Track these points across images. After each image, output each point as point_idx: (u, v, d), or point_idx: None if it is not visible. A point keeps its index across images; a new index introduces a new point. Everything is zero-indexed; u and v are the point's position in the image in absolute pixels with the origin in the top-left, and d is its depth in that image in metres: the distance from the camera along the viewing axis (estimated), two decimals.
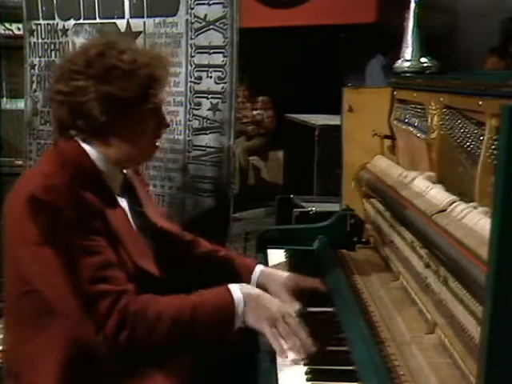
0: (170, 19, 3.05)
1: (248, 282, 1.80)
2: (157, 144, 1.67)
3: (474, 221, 1.27)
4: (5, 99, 4.03)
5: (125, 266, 1.52)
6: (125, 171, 1.71)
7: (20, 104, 3.84)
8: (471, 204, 1.36)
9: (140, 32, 3.14)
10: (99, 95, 1.51)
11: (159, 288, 1.56)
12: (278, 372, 1.42)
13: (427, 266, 1.52)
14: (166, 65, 1.63)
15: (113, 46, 1.57)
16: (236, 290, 1.51)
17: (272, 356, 1.48)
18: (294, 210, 2.52)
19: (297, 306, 1.68)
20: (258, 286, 1.80)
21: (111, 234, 1.52)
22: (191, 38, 2.98)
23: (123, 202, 1.66)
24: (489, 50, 5.41)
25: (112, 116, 1.53)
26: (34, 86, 3.59)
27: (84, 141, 1.57)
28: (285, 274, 1.85)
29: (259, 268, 1.85)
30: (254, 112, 6.57)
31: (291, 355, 1.44)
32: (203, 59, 2.93)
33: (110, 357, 1.43)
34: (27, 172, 1.62)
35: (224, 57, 2.86)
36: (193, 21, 2.97)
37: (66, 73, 1.56)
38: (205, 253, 1.89)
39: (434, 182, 1.67)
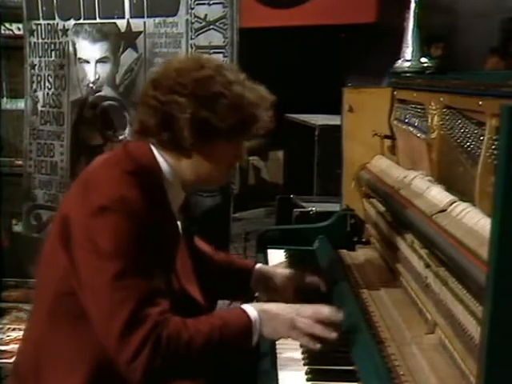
0: (170, 19, 3.05)
1: (247, 282, 1.82)
2: (230, 172, 1.67)
3: (474, 221, 1.27)
4: (5, 99, 4.02)
5: (173, 292, 1.51)
6: None
7: (20, 104, 3.84)
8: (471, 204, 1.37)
9: (140, 32, 3.15)
10: (196, 118, 1.47)
11: (200, 313, 1.54)
12: (279, 372, 1.42)
13: (427, 266, 1.52)
14: (270, 108, 1.57)
15: (223, 74, 1.52)
16: (251, 308, 1.51)
17: (272, 356, 1.48)
18: (294, 210, 2.52)
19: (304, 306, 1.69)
20: (258, 283, 1.82)
21: (168, 255, 1.52)
22: (191, 38, 2.98)
23: (179, 222, 1.64)
24: (489, 50, 5.41)
25: (199, 140, 1.49)
26: (34, 85, 3.59)
27: (158, 149, 1.53)
28: (285, 271, 1.86)
29: (258, 266, 1.87)
30: None
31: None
32: None
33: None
34: (95, 168, 1.54)
35: (224, 57, 2.87)
36: (193, 21, 2.97)
37: (169, 82, 1.50)
38: (221, 265, 1.88)
39: (434, 182, 1.67)
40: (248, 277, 1.84)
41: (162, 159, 1.53)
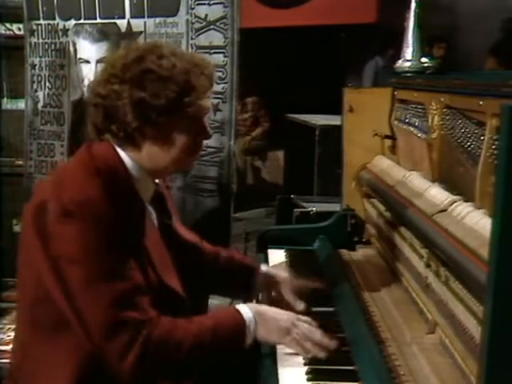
0: (170, 19, 3.05)
1: (253, 284, 1.81)
2: (194, 155, 1.61)
3: (475, 221, 1.27)
4: (5, 99, 4.02)
5: (150, 284, 1.49)
6: (156, 181, 1.65)
7: (20, 104, 3.84)
8: (471, 204, 1.37)
9: (140, 32, 3.14)
10: (132, 100, 1.45)
11: (182, 303, 1.56)
12: (279, 372, 1.42)
13: (428, 265, 1.52)
14: (209, 72, 1.54)
15: (153, 51, 1.51)
16: (245, 309, 1.51)
17: (273, 356, 1.48)
18: (295, 210, 2.52)
19: (302, 305, 1.70)
20: (262, 287, 1.81)
21: (141, 250, 1.49)
22: (192, 38, 2.98)
23: (152, 214, 1.62)
24: (488, 51, 5.40)
25: (144, 122, 1.47)
26: (35, 86, 3.59)
27: (119, 146, 1.53)
28: (288, 274, 1.84)
29: (263, 268, 1.84)
30: (245, 115, 6.44)
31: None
32: None
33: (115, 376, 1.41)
34: (56, 175, 1.53)
35: (224, 57, 2.86)
36: (193, 21, 2.97)
37: (106, 75, 1.51)
38: (224, 263, 1.86)
39: (434, 182, 1.67)
40: (251, 277, 1.82)
41: (123, 154, 1.52)
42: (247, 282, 1.81)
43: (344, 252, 2.17)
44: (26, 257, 1.53)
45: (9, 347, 3.28)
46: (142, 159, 1.52)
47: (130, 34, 3.21)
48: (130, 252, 1.44)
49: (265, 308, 1.56)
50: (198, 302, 1.54)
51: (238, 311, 1.50)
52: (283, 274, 1.83)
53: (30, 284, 1.50)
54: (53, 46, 3.50)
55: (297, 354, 1.48)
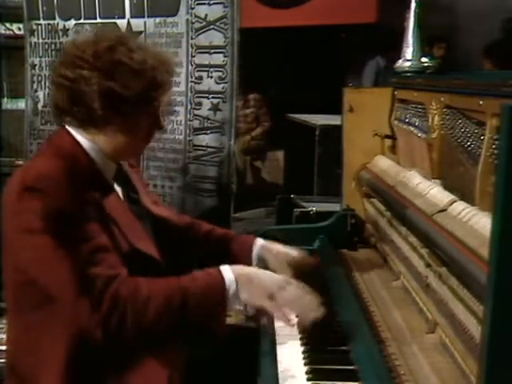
0: (170, 19, 3.05)
1: (249, 257, 1.80)
2: (147, 143, 1.69)
3: (475, 220, 1.27)
4: (5, 99, 4.02)
5: (121, 250, 1.52)
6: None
7: (20, 104, 3.84)
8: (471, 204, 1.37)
9: (141, 32, 3.14)
10: (101, 89, 1.51)
11: (160, 270, 1.56)
12: (279, 372, 1.42)
13: (428, 265, 1.52)
14: (172, 70, 1.65)
15: (124, 42, 1.57)
16: (227, 270, 1.51)
17: (273, 356, 1.48)
18: (295, 209, 2.51)
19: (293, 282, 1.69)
20: (259, 260, 1.81)
21: (106, 219, 1.52)
22: (192, 38, 2.98)
23: (117, 189, 1.66)
24: (483, 51, 5.39)
25: (109, 110, 1.53)
26: (35, 85, 3.59)
27: (77, 128, 1.57)
28: (285, 249, 1.83)
29: (259, 242, 1.84)
30: (247, 111, 6.48)
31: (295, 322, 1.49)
32: (204, 59, 2.93)
33: (106, 343, 1.43)
34: (24, 165, 1.62)
35: (225, 57, 2.87)
36: (193, 21, 2.97)
37: (73, 58, 1.55)
38: (203, 235, 1.89)
39: (434, 182, 1.67)
40: (248, 255, 1.82)
41: (81, 138, 1.58)
42: (244, 257, 1.81)
43: (344, 252, 2.17)
44: (6, 247, 1.56)
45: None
46: (100, 142, 1.58)
47: (130, 33, 3.21)
48: (92, 220, 1.48)
49: (249, 270, 1.56)
50: (183, 272, 1.54)
51: (219, 271, 1.50)
52: (280, 248, 1.83)
53: (12, 272, 1.54)
54: (53, 45, 3.50)
55: (297, 354, 1.48)
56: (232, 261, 1.63)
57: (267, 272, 1.58)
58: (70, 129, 1.58)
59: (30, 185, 1.45)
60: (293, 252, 1.81)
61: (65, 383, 1.47)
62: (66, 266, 1.42)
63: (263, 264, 1.81)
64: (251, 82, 6.04)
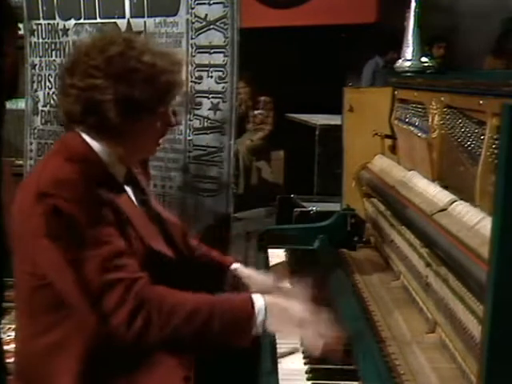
0: (170, 19, 3.05)
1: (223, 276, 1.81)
2: (159, 145, 1.67)
3: (475, 220, 1.27)
4: None
5: (138, 252, 1.52)
6: None
7: (21, 104, 3.84)
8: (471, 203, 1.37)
9: (140, 32, 3.14)
10: (117, 97, 1.48)
11: (174, 270, 1.57)
12: (279, 372, 1.42)
13: (428, 265, 1.52)
14: (181, 68, 1.63)
15: (133, 46, 1.54)
16: (258, 297, 1.50)
17: (273, 356, 1.48)
18: (295, 209, 2.51)
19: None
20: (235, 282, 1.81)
21: (121, 221, 1.52)
22: (192, 38, 2.98)
23: (129, 192, 1.66)
24: (490, 51, 5.40)
25: (125, 117, 1.51)
26: (35, 85, 3.60)
27: (89, 135, 1.55)
28: (263, 277, 1.83)
29: (236, 266, 1.85)
30: (256, 112, 6.54)
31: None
32: (204, 59, 2.93)
33: (122, 348, 1.43)
34: (34, 169, 1.60)
35: (225, 56, 2.87)
36: (193, 20, 2.97)
37: (83, 67, 1.51)
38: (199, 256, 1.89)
39: (434, 182, 1.67)
40: (223, 273, 1.83)
41: (94, 143, 1.56)
42: (218, 278, 1.82)
43: (344, 252, 2.17)
44: (19, 252, 1.56)
45: (9, 347, 3.28)
46: (113, 146, 1.57)
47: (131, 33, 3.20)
48: (109, 223, 1.47)
49: (282, 300, 1.53)
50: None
51: (250, 298, 1.49)
52: (259, 276, 1.82)
53: (26, 276, 1.53)
54: (53, 45, 3.50)
55: (297, 355, 1.48)
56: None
57: (292, 301, 1.53)
58: (83, 134, 1.56)
59: (45, 189, 1.44)
60: (268, 279, 1.80)
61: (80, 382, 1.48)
62: (83, 272, 1.41)
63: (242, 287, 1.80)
64: (261, 83, 6.06)
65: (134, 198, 1.67)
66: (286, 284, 1.79)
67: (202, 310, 1.43)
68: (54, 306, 1.49)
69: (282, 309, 1.49)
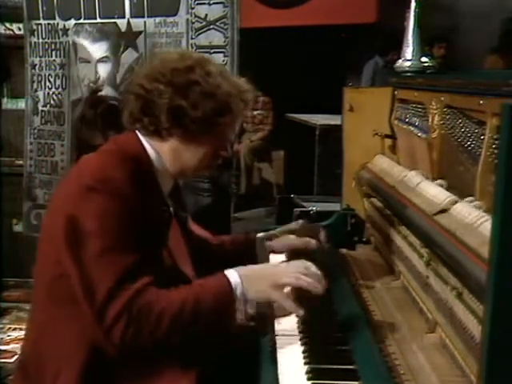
0: (170, 19, 3.05)
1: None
2: (211, 166, 1.72)
3: (475, 220, 1.27)
4: (5, 99, 4.03)
5: (165, 268, 1.55)
6: None
7: (21, 104, 3.85)
8: (472, 202, 1.37)
9: (140, 32, 3.15)
10: (171, 104, 1.56)
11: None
12: (279, 372, 1.42)
13: (428, 265, 1.52)
14: (247, 98, 1.66)
15: (204, 65, 1.60)
16: (231, 271, 1.53)
17: (273, 356, 1.48)
18: (295, 209, 2.51)
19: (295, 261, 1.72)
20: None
21: (156, 230, 1.56)
22: (192, 38, 2.98)
23: (171, 206, 1.70)
24: (489, 51, 5.41)
25: (175, 125, 1.58)
26: (35, 85, 3.60)
27: (144, 136, 1.61)
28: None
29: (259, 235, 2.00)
30: (255, 112, 6.53)
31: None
32: None
33: (120, 353, 1.44)
34: (84, 160, 1.61)
35: (225, 56, 2.87)
36: (193, 20, 2.97)
37: (154, 71, 1.60)
38: (229, 249, 1.98)
39: (434, 182, 1.67)
40: (253, 248, 1.93)
41: (148, 145, 1.62)
42: (250, 254, 1.92)
43: (344, 251, 2.17)
44: (47, 236, 1.58)
45: (9, 347, 3.29)
46: (165, 154, 1.62)
47: (130, 33, 3.22)
48: (145, 232, 1.49)
49: (254, 266, 1.59)
50: None
51: (224, 275, 1.52)
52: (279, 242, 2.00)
53: (47, 267, 1.55)
54: (53, 45, 3.50)
55: (297, 353, 1.48)
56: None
57: (269, 263, 1.61)
58: (139, 135, 1.62)
59: (93, 186, 1.47)
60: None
61: (85, 377, 1.49)
62: (104, 274, 1.42)
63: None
64: (261, 83, 6.02)
65: (173, 212, 1.71)
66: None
67: (187, 303, 1.45)
68: (72, 299, 1.48)
69: (253, 273, 1.53)
